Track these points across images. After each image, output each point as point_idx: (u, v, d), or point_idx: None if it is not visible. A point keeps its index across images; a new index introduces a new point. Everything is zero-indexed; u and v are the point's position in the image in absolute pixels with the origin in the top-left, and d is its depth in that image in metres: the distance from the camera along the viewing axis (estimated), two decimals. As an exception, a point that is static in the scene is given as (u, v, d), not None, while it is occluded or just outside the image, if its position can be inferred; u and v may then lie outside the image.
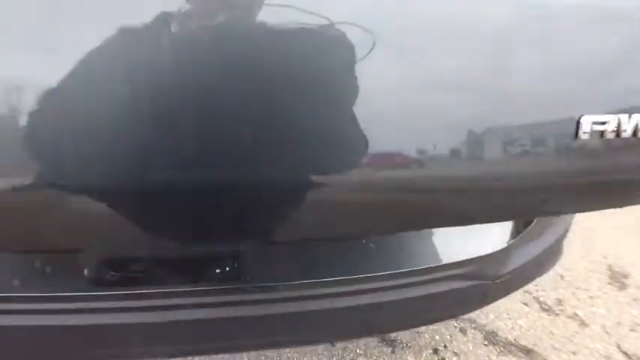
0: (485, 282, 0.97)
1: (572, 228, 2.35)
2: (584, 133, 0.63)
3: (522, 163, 0.65)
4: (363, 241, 0.89)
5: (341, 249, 0.89)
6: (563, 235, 1.19)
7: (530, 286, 2.02)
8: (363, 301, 0.88)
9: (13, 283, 0.75)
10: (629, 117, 0.65)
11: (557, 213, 0.97)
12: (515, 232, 0.97)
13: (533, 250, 1.05)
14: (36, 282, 0.76)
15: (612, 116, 0.64)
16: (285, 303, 0.85)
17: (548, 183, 0.68)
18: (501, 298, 1.11)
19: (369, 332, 1.15)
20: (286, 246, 0.86)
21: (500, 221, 0.95)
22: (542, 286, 2.03)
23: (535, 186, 0.68)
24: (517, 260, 1.01)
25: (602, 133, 0.64)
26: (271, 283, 0.83)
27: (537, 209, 0.78)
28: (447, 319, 1.30)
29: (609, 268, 2.21)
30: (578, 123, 0.63)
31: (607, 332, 1.80)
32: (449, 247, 0.92)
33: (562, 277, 2.12)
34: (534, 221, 0.97)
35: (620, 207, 0.81)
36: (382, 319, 0.96)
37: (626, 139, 0.65)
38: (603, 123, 0.64)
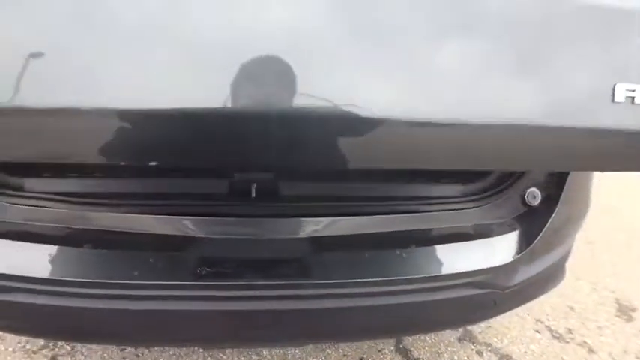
0: (495, 290, 1.18)
1: (582, 265, 2.52)
2: (619, 97, 0.79)
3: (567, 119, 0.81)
4: (397, 251, 1.12)
5: (369, 254, 1.11)
6: (565, 257, 1.40)
7: (541, 316, 2.18)
8: (391, 301, 1.11)
9: (133, 273, 1.00)
10: None
11: (588, 168, 1.09)
12: (520, 249, 1.19)
13: (537, 266, 1.26)
14: (148, 272, 1.01)
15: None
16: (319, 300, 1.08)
17: (587, 138, 0.84)
18: (510, 309, 1.31)
19: (392, 332, 1.34)
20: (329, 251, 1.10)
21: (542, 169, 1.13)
22: (554, 316, 2.19)
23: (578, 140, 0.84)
24: (523, 274, 1.22)
25: (632, 99, 0.80)
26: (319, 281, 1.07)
27: (574, 162, 0.92)
28: (463, 324, 1.47)
29: (617, 301, 2.36)
30: (613, 89, 0.79)
31: (614, 359, 1.95)
32: (461, 257, 1.14)
33: (572, 308, 2.27)
34: (536, 240, 1.19)
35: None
36: (403, 320, 1.18)
37: None
38: (633, 90, 0.80)
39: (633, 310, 2.30)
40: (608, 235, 2.96)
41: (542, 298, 2.23)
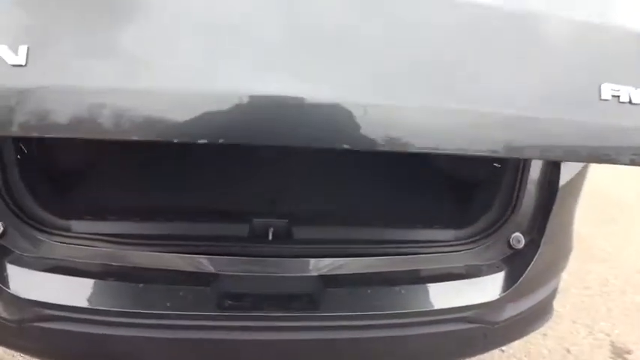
0: (485, 325, 1.32)
1: (578, 309, 2.62)
2: (605, 95, 0.92)
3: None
4: (397, 288, 1.26)
5: (372, 291, 1.26)
6: (552, 296, 1.53)
7: (539, 358, 2.27)
8: (393, 334, 1.24)
9: (166, 304, 1.15)
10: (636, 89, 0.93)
11: (577, 158, 1.13)
12: (506, 288, 1.33)
13: (524, 304, 1.39)
14: (178, 303, 1.16)
15: (624, 86, 0.93)
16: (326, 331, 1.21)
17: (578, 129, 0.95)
18: (500, 344, 1.44)
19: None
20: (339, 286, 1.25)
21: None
22: (551, 358, 2.28)
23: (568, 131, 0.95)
24: (511, 311, 1.36)
25: (618, 98, 0.93)
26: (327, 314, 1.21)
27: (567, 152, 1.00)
28: (459, 356, 1.57)
29: (612, 344, 2.44)
30: (599, 88, 0.92)
31: (610, 400, 2.02)
32: (454, 294, 1.29)
33: (569, 351, 2.36)
34: (521, 279, 1.33)
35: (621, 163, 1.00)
36: (404, 351, 1.30)
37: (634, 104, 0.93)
38: (618, 90, 0.93)
39: (628, 352, 2.38)
40: (604, 281, 3.06)
41: (540, 340, 2.34)
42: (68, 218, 1.31)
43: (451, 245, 1.38)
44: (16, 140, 1.27)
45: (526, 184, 1.36)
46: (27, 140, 1.32)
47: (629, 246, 3.43)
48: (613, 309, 2.78)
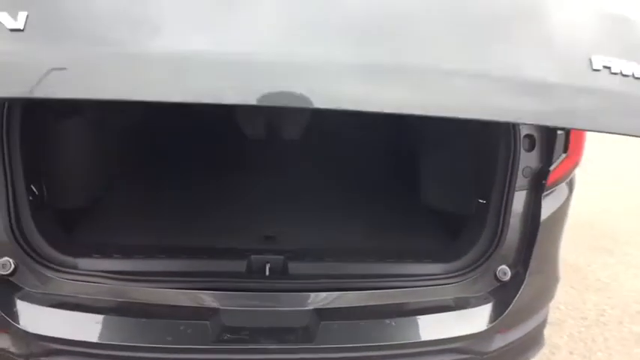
0: (474, 356, 1.36)
1: (575, 339, 2.64)
2: (596, 66, 0.95)
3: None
4: (388, 320, 1.32)
5: (365, 323, 1.31)
6: (541, 326, 1.58)
7: (536, 389, 2.29)
8: None
9: (168, 338, 1.21)
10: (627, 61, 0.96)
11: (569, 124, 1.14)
12: (494, 319, 1.38)
13: (512, 334, 1.44)
14: (179, 337, 1.22)
15: (615, 58, 0.96)
16: None
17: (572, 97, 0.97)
18: (491, 375, 1.47)
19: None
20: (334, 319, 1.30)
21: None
22: (548, 389, 2.30)
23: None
24: (500, 342, 1.41)
25: (609, 68, 0.96)
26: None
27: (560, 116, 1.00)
28: None
29: (608, 374, 2.46)
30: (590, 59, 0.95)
31: None
32: (444, 326, 1.34)
33: (566, 382, 2.38)
34: (508, 310, 1.38)
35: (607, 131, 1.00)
36: None
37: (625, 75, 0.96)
38: (609, 61, 0.95)
39: (625, 383, 2.39)
40: (601, 311, 3.08)
41: (537, 372, 2.36)
42: (75, 256, 1.38)
43: (440, 279, 1.44)
44: (29, 181, 1.35)
45: (509, 218, 1.44)
46: (37, 181, 1.41)
47: (625, 276, 3.47)
48: (610, 339, 2.80)
